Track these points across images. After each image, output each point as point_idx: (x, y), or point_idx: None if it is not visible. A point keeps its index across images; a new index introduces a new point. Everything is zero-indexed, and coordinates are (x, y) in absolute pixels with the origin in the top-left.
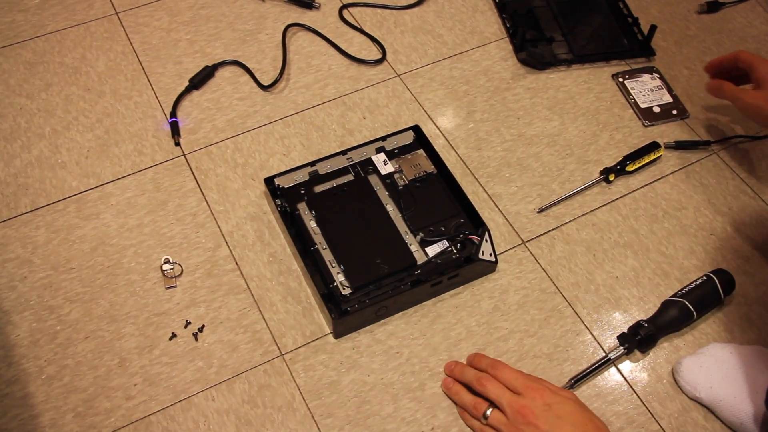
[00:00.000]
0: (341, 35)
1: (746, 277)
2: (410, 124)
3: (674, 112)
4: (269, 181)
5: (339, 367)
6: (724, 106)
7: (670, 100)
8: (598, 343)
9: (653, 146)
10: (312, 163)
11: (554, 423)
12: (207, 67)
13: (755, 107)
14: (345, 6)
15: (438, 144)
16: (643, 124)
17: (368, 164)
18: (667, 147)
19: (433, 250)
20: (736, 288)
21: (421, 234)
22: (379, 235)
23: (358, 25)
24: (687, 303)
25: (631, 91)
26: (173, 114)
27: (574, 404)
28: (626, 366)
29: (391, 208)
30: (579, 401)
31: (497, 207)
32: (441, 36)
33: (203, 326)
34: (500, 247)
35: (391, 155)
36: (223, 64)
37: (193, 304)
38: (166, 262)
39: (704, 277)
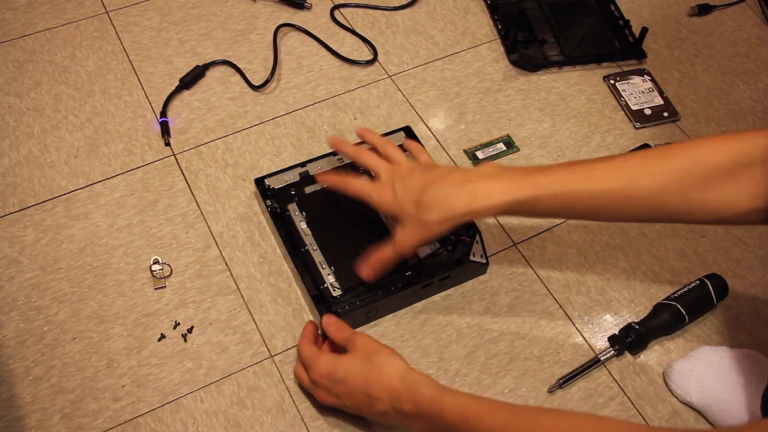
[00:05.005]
0: (333, 36)
1: (737, 280)
2: (401, 125)
3: (665, 114)
4: (260, 182)
5: None
6: (714, 109)
7: (661, 102)
8: (589, 345)
9: (644, 148)
10: (303, 164)
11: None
12: (198, 66)
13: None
14: (336, 6)
15: (429, 145)
16: (634, 126)
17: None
18: None
19: (423, 252)
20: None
21: None
22: (370, 237)
23: (349, 26)
24: (679, 307)
25: (623, 93)
26: (163, 114)
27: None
28: (617, 368)
29: None
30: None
31: None
32: (432, 37)
33: (192, 327)
34: (491, 248)
35: None
36: (213, 63)
37: (182, 305)
38: (156, 262)
39: (698, 282)
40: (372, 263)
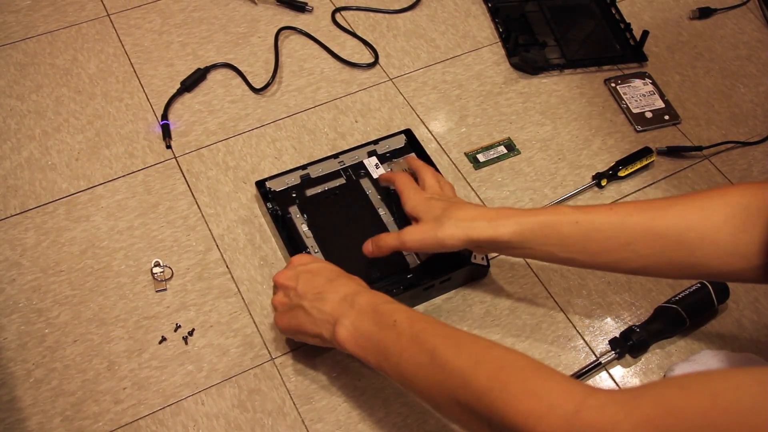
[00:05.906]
0: (334, 39)
1: (738, 283)
2: (402, 128)
3: (666, 117)
4: (261, 185)
5: (330, 371)
6: (715, 112)
7: (662, 105)
8: (590, 348)
9: (645, 151)
10: (304, 167)
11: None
12: (199, 69)
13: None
14: (338, 9)
15: (430, 148)
16: (635, 129)
17: (360, 168)
18: (659, 152)
19: (425, 254)
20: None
21: None
22: None
23: (350, 29)
24: (680, 310)
25: (624, 97)
26: (164, 116)
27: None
28: (618, 371)
29: (383, 211)
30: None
31: None
32: (434, 40)
33: (193, 330)
34: None
35: (383, 159)
36: (215, 66)
37: (183, 308)
38: (156, 265)
39: (698, 285)
40: (375, 240)
